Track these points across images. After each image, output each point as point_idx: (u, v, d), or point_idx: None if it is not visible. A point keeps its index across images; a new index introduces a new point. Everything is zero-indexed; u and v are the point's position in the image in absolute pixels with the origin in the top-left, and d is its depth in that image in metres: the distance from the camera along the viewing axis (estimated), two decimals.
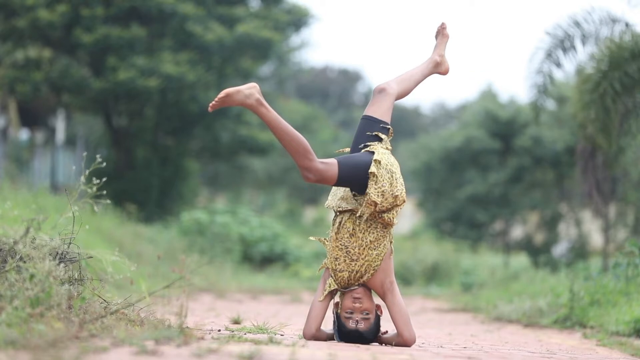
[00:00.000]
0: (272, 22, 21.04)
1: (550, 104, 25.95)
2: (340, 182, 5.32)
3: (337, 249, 5.44)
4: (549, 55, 12.57)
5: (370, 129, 5.54)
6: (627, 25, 11.70)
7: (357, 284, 5.43)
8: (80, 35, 19.23)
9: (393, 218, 5.40)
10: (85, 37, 19.18)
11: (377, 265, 5.41)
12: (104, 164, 5.49)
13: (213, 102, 5.23)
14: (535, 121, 14.04)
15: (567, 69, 12.94)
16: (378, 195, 5.31)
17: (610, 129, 10.97)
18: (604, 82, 10.90)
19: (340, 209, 5.44)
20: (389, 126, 5.60)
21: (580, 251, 23.76)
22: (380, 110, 5.60)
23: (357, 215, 5.36)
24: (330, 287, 5.46)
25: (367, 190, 5.31)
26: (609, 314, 8.53)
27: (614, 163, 16.64)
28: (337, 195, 5.52)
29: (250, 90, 5.23)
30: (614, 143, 11.48)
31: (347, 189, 5.44)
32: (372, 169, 5.33)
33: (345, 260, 5.42)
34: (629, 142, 13.67)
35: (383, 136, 5.53)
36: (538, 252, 24.53)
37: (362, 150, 5.47)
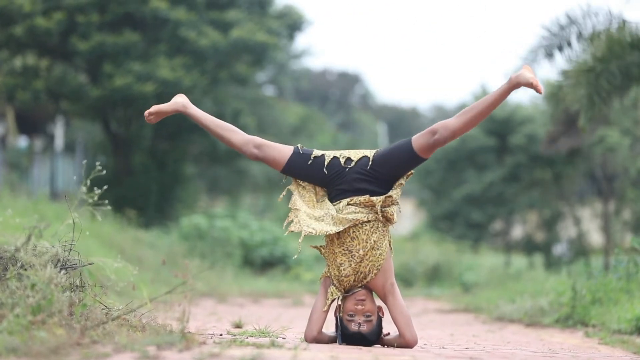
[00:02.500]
0: (266, 28, 21.01)
1: (543, 103, 26.03)
2: (418, 158, 5.45)
3: (340, 254, 5.43)
4: (543, 48, 12.57)
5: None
6: (624, 22, 11.72)
7: (359, 285, 5.44)
8: (76, 42, 19.22)
9: (394, 213, 5.44)
10: (81, 44, 19.17)
11: (380, 265, 5.42)
12: (104, 171, 5.49)
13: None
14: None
15: (561, 66, 12.89)
16: (395, 194, 5.45)
17: (593, 108, 10.97)
18: (599, 66, 10.93)
19: (340, 230, 5.39)
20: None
21: (580, 250, 23.77)
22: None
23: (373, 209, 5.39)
24: (332, 295, 5.46)
25: (401, 181, 5.48)
26: (610, 312, 8.53)
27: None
28: (319, 219, 5.45)
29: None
30: (589, 125, 11.50)
31: (333, 213, 5.41)
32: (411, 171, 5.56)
33: (351, 265, 5.41)
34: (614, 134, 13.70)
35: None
36: (538, 251, 24.55)
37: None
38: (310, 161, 5.53)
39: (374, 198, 5.38)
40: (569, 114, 14.62)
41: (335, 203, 5.47)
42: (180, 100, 5.71)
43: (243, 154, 5.61)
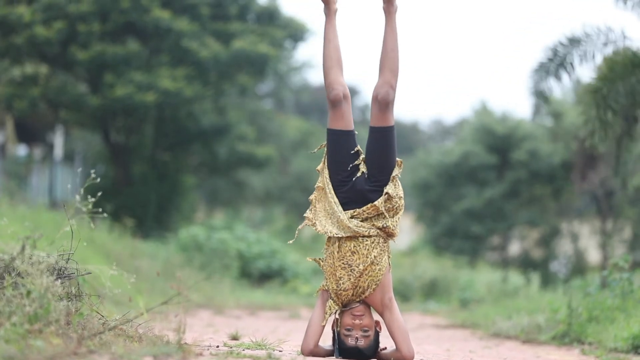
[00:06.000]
0: (269, 38, 21.07)
1: (547, 120, 26.08)
2: (386, 130, 5.44)
3: (339, 268, 5.42)
4: (547, 70, 12.63)
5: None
6: (624, 37, 11.78)
7: (357, 300, 5.44)
8: (76, 52, 19.23)
9: (396, 227, 5.43)
10: (81, 53, 19.17)
11: (378, 280, 5.41)
12: (98, 179, 5.48)
13: None
14: (535, 114, 14.03)
15: (564, 85, 13.01)
16: (392, 189, 5.40)
17: (610, 133, 11.05)
18: (606, 87, 10.99)
19: (340, 235, 5.40)
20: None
21: (577, 267, 23.76)
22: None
23: (377, 209, 5.39)
24: (330, 309, 5.46)
25: (393, 175, 5.43)
26: (607, 330, 8.52)
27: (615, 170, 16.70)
28: (328, 221, 5.46)
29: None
30: (617, 147, 11.57)
31: (342, 217, 5.39)
32: (398, 159, 5.51)
33: (350, 279, 5.41)
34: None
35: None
36: (536, 268, 24.54)
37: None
38: (353, 151, 5.52)
39: (376, 202, 5.38)
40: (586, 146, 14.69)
41: None
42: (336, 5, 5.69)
43: (329, 88, 5.51)
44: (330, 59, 5.56)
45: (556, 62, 12.47)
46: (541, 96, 13.03)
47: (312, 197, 5.55)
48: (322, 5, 5.68)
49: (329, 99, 5.51)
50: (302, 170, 33.23)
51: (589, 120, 11.15)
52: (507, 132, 25.95)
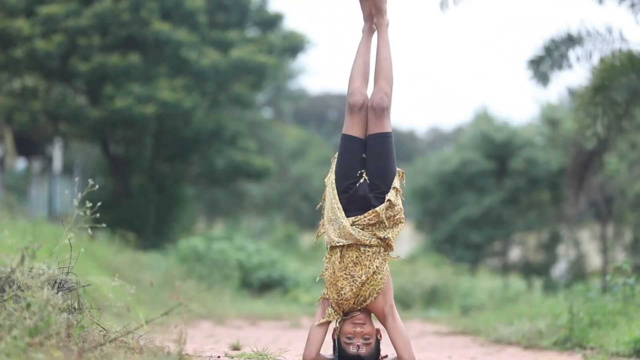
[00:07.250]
0: (267, 47, 21.08)
1: (544, 127, 26.11)
2: (383, 136, 5.48)
3: (341, 278, 5.41)
4: (548, 55, 12.62)
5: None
6: (621, 38, 11.81)
7: (358, 308, 5.43)
8: (76, 63, 19.26)
9: (394, 240, 5.44)
10: (82, 65, 19.21)
11: (380, 289, 5.41)
12: (97, 186, 5.48)
13: None
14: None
15: (561, 91, 13.01)
16: (393, 196, 5.41)
17: (611, 126, 11.06)
18: (609, 84, 11.02)
19: (341, 243, 5.41)
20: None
21: (578, 272, 23.77)
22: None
23: (378, 216, 5.39)
24: (329, 317, 5.45)
25: (394, 185, 5.44)
26: (608, 335, 8.51)
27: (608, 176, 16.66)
28: (330, 228, 5.47)
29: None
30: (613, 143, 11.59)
31: (345, 222, 5.40)
32: (399, 170, 5.55)
33: (352, 289, 5.40)
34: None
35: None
36: (536, 274, 24.54)
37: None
38: (363, 157, 5.55)
39: (377, 209, 5.39)
40: (581, 155, 14.69)
41: None
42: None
43: (351, 94, 5.62)
44: (358, 70, 5.67)
45: (555, 54, 12.47)
46: (542, 77, 12.95)
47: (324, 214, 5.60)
48: (363, 23, 5.78)
49: (348, 104, 5.60)
50: (301, 174, 33.25)
51: (593, 120, 11.13)
52: (505, 140, 26.00)
